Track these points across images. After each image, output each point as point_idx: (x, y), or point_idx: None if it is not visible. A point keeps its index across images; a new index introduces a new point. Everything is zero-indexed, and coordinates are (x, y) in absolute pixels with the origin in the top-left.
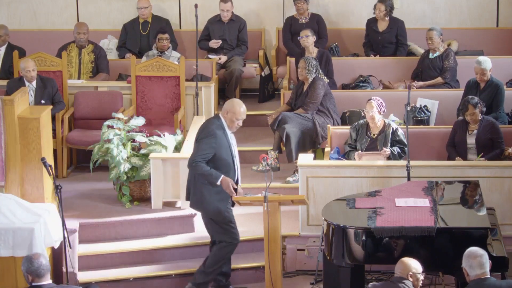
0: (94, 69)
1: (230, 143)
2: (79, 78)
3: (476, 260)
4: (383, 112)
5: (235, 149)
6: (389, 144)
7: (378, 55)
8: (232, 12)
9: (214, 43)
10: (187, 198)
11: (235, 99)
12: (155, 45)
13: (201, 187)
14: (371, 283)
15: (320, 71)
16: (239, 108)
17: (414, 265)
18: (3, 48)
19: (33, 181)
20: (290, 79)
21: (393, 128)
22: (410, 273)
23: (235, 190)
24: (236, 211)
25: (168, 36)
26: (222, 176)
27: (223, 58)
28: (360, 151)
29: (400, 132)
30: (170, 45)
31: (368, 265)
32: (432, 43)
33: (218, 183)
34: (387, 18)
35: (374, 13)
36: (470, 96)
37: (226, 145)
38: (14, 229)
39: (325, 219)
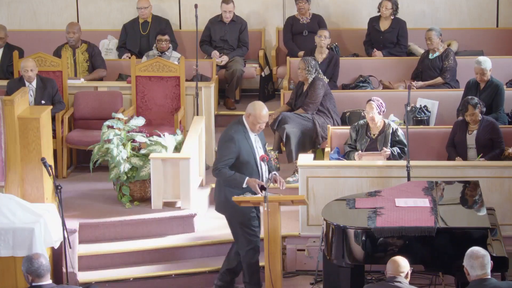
0: (90, 68)
1: (252, 146)
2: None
3: (478, 261)
4: (383, 112)
5: (261, 151)
6: (389, 144)
7: (379, 52)
8: (233, 12)
9: (216, 56)
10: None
11: (257, 102)
12: (155, 45)
13: (224, 190)
14: (366, 284)
15: (320, 70)
16: (259, 111)
17: (405, 263)
18: (1, 49)
19: (33, 181)
20: (290, 79)
21: (393, 128)
22: (408, 271)
23: (263, 188)
24: None
25: (168, 38)
26: (247, 178)
27: (225, 59)
28: (360, 151)
29: (400, 132)
30: (170, 45)
31: (368, 265)
32: (431, 43)
33: (245, 185)
34: (392, 17)
35: (378, 11)
36: (470, 97)
37: (248, 147)
38: (14, 229)
39: (325, 219)
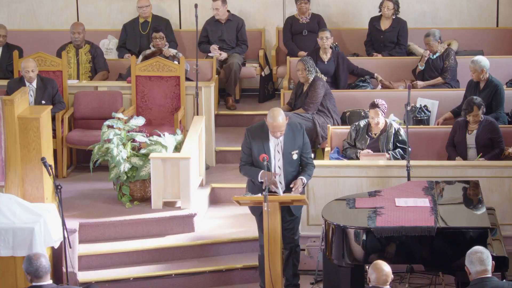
0: (92, 69)
1: (266, 146)
2: (78, 78)
3: (476, 256)
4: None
5: (278, 155)
6: (391, 145)
7: (380, 55)
8: (228, 11)
9: (214, 49)
10: None
11: (274, 110)
12: (151, 43)
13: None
14: None
15: (317, 69)
16: (271, 121)
17: (388, 269)
18: (0, 48)
19: (33, 181)
20: (290, 79)
21: (395, 129)
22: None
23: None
24: (236, 211)
25: (162, 35)
26: (262, 171)
27: (224, 55)
28: (361, 151)
29: (403, 132)
30: (167, 43)
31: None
32: (431, 48)
33: (259, 179)
34: (393, 17)
35: (379, 11)
36: (474, 97)
37: (260, 146)
38: (14, 229)
39: (325, 219)
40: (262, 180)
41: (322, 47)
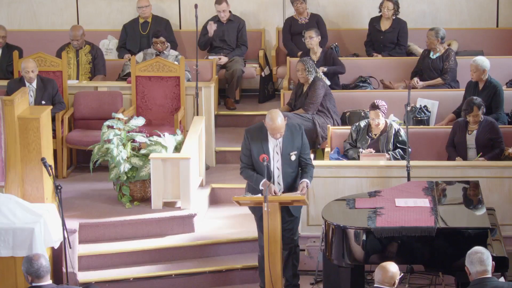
0: (92, 70)
1: (265, 147)
2: (77, 79)
3: (476, 256)
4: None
5: (277, 156)
6: (391, 145)
7: (380, 55)
8: (230, 12)
9: (211, 26)
10: None
11: (272, 112)
12: (152, 46)
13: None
14: None
15: (317, 69)
16: (270, 124)
17: (395, 270)
18: (0, 49)
19: (33, 182)
20: (290, 79)
21: (395, 129)
22: (397, 280)
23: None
24: (236, 211)
25: (163, 39)
26: (264, 180)
27: (224, 59)
28: (363, 151)
29: (403, 132)
30: (168, 44)
31: (368, 265)
32: (429, 43)
33: (261, 187)
34: (393, 18)
35: (379, 11)
36: (474, 97)
37: (259, 147)
38: (14, 229)
39: (325, 219)
40: (262, 188)
41: (308, 47)
